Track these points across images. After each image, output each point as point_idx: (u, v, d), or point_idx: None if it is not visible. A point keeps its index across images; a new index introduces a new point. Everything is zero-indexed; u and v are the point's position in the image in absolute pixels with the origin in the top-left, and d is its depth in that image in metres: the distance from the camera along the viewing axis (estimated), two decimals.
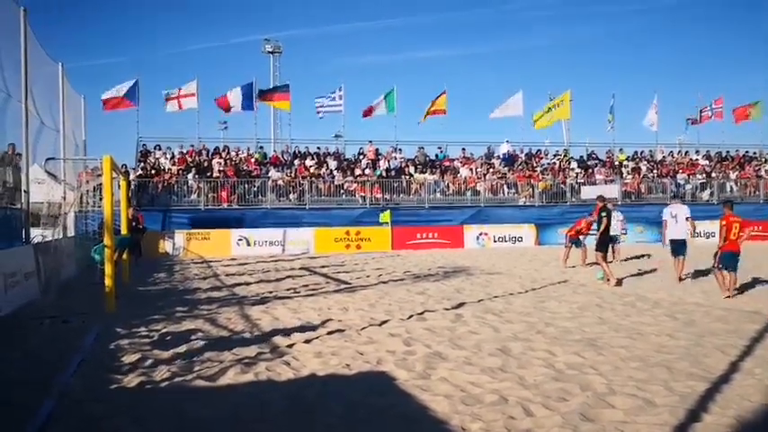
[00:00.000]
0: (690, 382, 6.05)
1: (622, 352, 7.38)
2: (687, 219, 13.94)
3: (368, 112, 33.12)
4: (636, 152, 36.68)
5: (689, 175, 34.39)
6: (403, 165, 32.20)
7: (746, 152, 37.94)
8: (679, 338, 8.12)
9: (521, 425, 4.97)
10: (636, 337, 8.28)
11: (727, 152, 37.76)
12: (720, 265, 11.82)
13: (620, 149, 36.36)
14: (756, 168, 36.01)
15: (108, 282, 10.91)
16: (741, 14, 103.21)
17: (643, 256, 21.47)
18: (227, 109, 31.85)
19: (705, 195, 33.17)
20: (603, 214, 14.43)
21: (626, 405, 5.39)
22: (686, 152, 37.74)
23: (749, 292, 12.46)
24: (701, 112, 37.44)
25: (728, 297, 11.54)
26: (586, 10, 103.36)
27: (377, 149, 33.07)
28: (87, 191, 20.80)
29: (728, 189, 33.88)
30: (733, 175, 35.08)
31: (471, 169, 32.65)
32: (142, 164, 29.20)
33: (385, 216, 27.38)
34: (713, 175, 34.77)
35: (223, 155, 30.88)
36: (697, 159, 36.73)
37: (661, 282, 14.47)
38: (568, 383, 6.06)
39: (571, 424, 4.94)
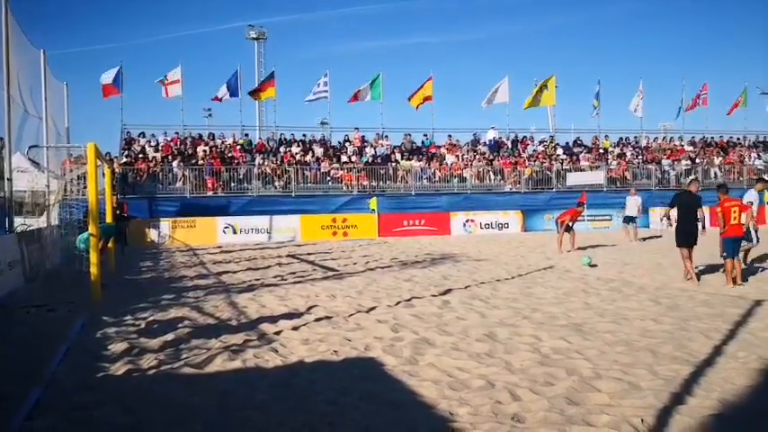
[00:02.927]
0: (674, 365, 6.12)
1: (608, 336, 7.44)
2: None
3: (354, 98, 32.97)
4: (621, 138, 36.82)
5: (674, 161, 34.57)
6: (389, 152, 32.17)
7: (730, 138, 38.21)
8: (663, 323, 8.19)
9: (508, 409, 5.01)
10: (621, 321, 8.35)
11: (712, 138, 38.02)
12: (725, 254, 11.46)
13: (606, 136, 36.48)
14: (740, 154, 36.28)
15: (93, 270, 10.86)
16: (726, 2, 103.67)
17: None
18: (219, 100, 31.86)
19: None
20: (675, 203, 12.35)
21: (611, 389, 5.44)
22: (671, 138, 37.94)
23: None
24: (693, 101, 37.45)
25: (733, 287, 11.17)
26: None
27: (363, 136, 33.02)
28: (71, 179, 20.64)
29: (713, 175, 34.14)
30: (717, 161, 35.33)
31: (458, 156, 32.67)
32: (126, 152, 29.00)
33: (372, 203, 27.38)
34: (698, 160, 34.98)
35: (208, 142, 30.71)
36: (682, 145, 36.95)
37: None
38: (554, 368, 6.11)
39: (557, 408, 4.99)
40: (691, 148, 36.55)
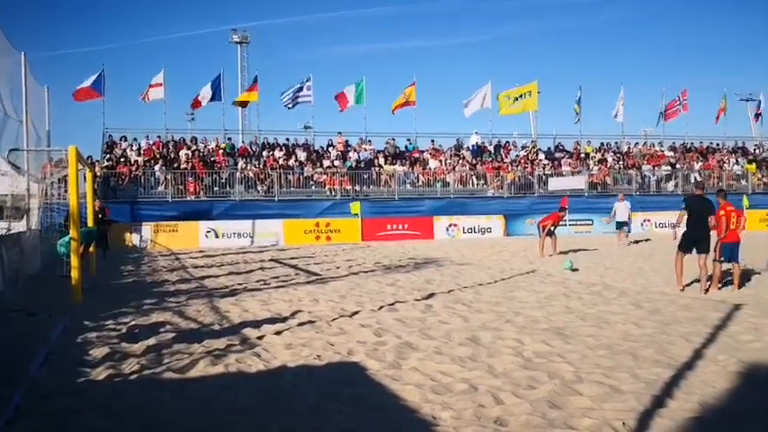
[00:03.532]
0: (655, 369, 6.18)
1: (589, 340, 7.50)
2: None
3: (342, 104, 32.89)
4: (602, 143, 37.08)
5: (654, 167, 34.89)
6: (372, 156, 32.20)
7: (710, 143, 38.64)
8: (645, 327, 8.27)
9: (490, 413, 5.03)
10: (603, 325, 8.42)
11: (692, 144, 38.42)
12: (722, 258, 11.50)
13: (589, 142, 36.74)
14: (719, 159, 36.69)
15: (74, 274, 10.78)
16: (705, 10, 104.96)
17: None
18: (199, 106, 31.76)
19: (670, 186, 33.72)
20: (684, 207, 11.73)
21: (593, 392, 5.49)
22: (652, 144, 38.28)
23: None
24: (667, 106, 37.76)
25: (719, 289, 11.32)
26: (554, 2, 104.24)
27: (346, 141, 33.01)
28: (52, 183, 20.46)
29: (693, 180, 34.46)
30: (697, 166, 35.69)
31: (441, 161, 32.76)
32: (108, 155, 28.79)
33: (355, 207, 27.36)
34: (678, 166, 35.33)
35: (191, 146, 30.56)
36: (662, 151, 37.28)
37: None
38: (537, 371, 6.15)
39: (539, 411, 5.02)
40: (671, 154, 36.89)
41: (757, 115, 39.41)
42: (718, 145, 38.67)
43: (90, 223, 15.50)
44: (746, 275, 12.14)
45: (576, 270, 14.73)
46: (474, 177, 32.14)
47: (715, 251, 11.57)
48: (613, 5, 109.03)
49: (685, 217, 11.57)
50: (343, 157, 31.66)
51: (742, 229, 11.76)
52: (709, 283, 11.31)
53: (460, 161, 33.08)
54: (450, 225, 28.65)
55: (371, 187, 30.44)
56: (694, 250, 11.40)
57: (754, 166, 35.41)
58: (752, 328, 8.09)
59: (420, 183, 31.28)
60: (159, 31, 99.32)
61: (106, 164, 27.72)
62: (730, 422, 4.83)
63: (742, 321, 8.52)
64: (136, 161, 28.71)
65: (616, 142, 37.43)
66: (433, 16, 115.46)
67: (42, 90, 20.46)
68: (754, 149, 38.91)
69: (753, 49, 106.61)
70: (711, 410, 5.01)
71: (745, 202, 14.17)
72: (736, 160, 36.76)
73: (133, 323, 9.03)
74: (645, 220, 29.77)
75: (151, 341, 7.73)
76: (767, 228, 29.80)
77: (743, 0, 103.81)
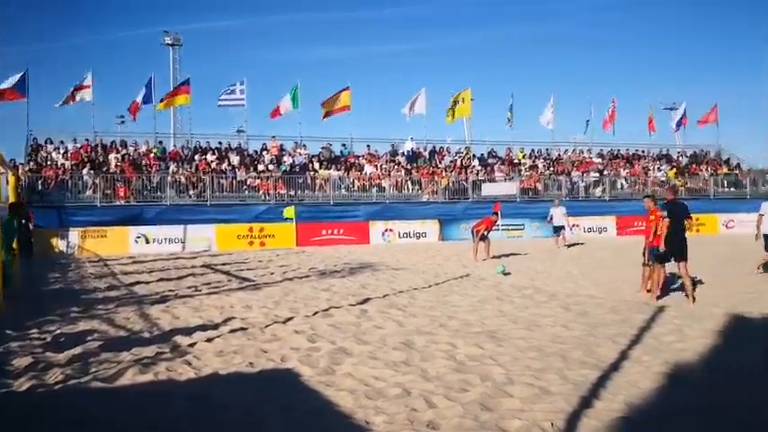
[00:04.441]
0: (583, 370, 6.33)
1: (520, 343, 7.63)
2: None
3: (276, 113, 32.69)
4: (533, 150, 37.89)
5: (583, 173, 35.85)
6: (307, 161, 32.05)
7: (636, 150, 39.96)
8: (573, 329, 8.47)
9: (423, 416, 5.06)
10: (533, 328, 8.58)
11: (618, 151, 39.64)
12: (650, 261, 11.49)
13: (521, 149, 37.45)
14: (644, 166, 37.98)
15: None
16: (631, 24, 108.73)
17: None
18: (137, 110, 31.05)
19: (598, 192, 34.70)
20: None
21: (523, 394, 5.59)
22: (580, 150, 39.35)
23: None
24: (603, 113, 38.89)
25: (649, 292, 11.33)
26: (488, 11, 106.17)
27: (281, 145, 32.74)
28: None
29: (619, 186, 35.63)
30: (624, 173, 36.85)
31: (376, 166, 32.86)
32: (32, 158, 27.77)
33: (289, 212, 27.13)
34: (605, 172, 36.39)
35: (120, 150, 29.76)
36: (590, 157, 38.36)
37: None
38: (469, 374, 6.22)
39: (471, 414, 5.08)
40: (599, 160, 37.98)
41: (679, 124, 40.95)
42: (643, 152, 40.03)
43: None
44: (672, 279, 12.54)
45: (509, 274, 14.99)
46: (409, 183, 32.34)
47: (643, 255, 11.85)
48: (543, 19, 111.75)
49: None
50: (278, 161, 31.39)
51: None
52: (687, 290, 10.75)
53: (396, 166, 33.26)
54: (385, 230, 28.76)
55: (306, 192, 30.29)
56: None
57: (673, 171, 36.79)
58: (675, 329, 8.37)
59: (355, 188, 31.28)
60: (88, 32, 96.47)
61: (30, 167, 26.73)
62: (655, 421, 4.98)
63: (666, 323, 8.82)
64: (63, 165, 27.78)
65: (547, 149, 38.31)
66: (367, 24, 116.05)
67: None
68: (678, 156, 40.44)
69: (675, 61, 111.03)
70: (637, 410, 5.16)
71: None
72: (660, 167, 38.11)
73: (59, 332, 8.72)
74: (574, 225, 30.58)
75: (77, 350, 7.47)
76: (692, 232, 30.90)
77: (666, 14, 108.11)
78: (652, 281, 11.30)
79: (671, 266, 11.17)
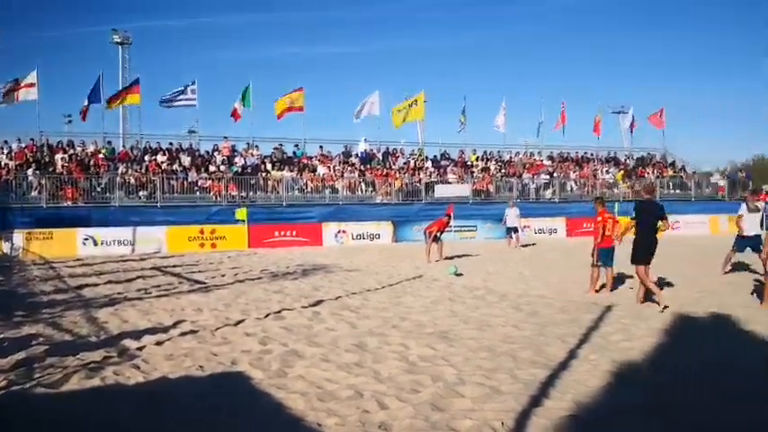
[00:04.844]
0: (533, 369, 6.41)
1: (472, 343, 7.69)
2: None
3: (235, 113, 32.33)
4: (485, 152, 38.26)
5: (533, 175, 36.35)
6: (259, 162, 31.77)
7: (585, 153, 40.69)
8: (524, 329, 8.58)
9: (375, 418, 5.06)
10: (485, 328, 8.66)
11: (568, 153, 40.32)
12: (599, 262, 11.90)
13: (474, 150, 37.78)
14: (593, 168, 38.71)
15: None
16: (580, 29, 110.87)
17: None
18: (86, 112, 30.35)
19: (548, 194, 35.24)
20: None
21: (474, 393, 5.63)
22: (531, 153, 39.90)
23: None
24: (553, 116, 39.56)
25: (597, 292, 11.79)
26: (442, 15, 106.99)
27: (233, 146, 32.37)
28: None
29: (569, 188, 36.22)
30: (573, 175, 37.50)
31: (329, 167, 32.75)
32: None
33: (241, 213, 26.85)
34: (555, 174, 36.98)
35: (67, 150, 29.03)
36: (541, 160, 38.92)
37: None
38: (421, 375, 6.24)
39: (423, 414, 5.09)
40: (549, 163, 38.56)
41: (631, 127, 41.83)
42: (592, 155, 40.79)
43: None
44: (619, 279, 12.81)
45: (461, 275, 15.10)
46: (363, 184, 32.32)
47: (592, 256, 12.09)
48: (496, 23, 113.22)
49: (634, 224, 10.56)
50: (229, 162, 31.03)
51: (623, 235, 11.50)
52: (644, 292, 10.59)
53: (349, 168, 33.19)
54: (338, 231, 28.68)
55: (258, 193, 29.99)
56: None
57: (621, 174, 37.58)
58: (622, 328, 8.55)
59: (308, 189, 31.11)
60: (33, 30, 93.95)
61: None
62: (603, 420, 5.06)
63: (613, 322, 8.99)
64: (6, 165, 26.96)
65: (498, 151, 38.71)
66: (320, 24, 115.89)
67: None
68: (625, 159, 41.31)
69: (623, 65, 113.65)
70: (585, 409, 5.24)
71: (616, 208, 15.12)
72: (608, 170, 38.88)
73: (1, 336, 8.46)
74: (525, 226, 31.00)
75: (21, 355, 7.25)
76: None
77: (615, 20, 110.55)
78: (592, 279, 11.96)
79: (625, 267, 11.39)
